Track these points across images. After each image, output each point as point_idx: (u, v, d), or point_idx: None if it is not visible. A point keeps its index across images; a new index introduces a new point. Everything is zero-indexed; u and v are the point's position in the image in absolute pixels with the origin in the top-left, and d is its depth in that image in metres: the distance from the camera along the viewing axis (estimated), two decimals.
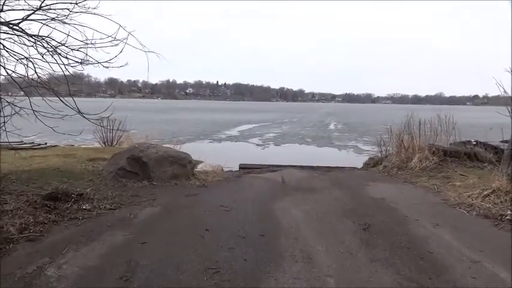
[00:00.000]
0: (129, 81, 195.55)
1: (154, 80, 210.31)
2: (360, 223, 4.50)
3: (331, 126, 32.44)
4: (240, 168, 10.49)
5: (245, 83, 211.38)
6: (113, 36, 4.70)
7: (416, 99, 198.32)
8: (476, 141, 9.86)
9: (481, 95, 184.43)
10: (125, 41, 4.63)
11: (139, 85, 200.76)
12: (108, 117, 4.80)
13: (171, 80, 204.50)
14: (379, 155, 10.65)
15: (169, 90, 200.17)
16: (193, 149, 14.76)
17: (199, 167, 9.61)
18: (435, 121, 9.76)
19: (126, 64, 5.27)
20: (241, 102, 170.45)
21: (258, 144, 17.77)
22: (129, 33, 4.87)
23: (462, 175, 7.63)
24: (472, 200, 5.30)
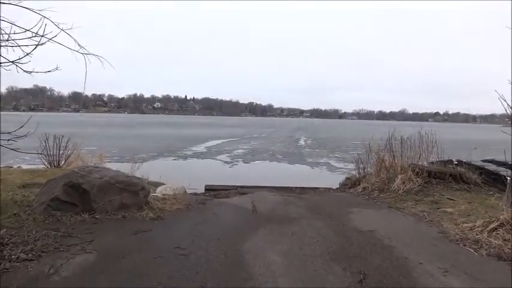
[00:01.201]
0: (94, 95, 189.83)
1: (121, 94, 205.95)
2: (352, 271, 3.56)
3: (301, 142, 31.84)
4: (205, 189, 9.45)
5: (214, 97, 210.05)
6: (36, 31, 3.63)
7: (382, 115, 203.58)
8: (458, 161, 9.28)
9: (441, 112, 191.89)
10: (49, 37, 3.55)
11: (105, 99, 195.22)
12: (26, 135, 3.61)
13: (138, 94, 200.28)
14: (357, 175, 9.88)
15: (136, 104, 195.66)
16: (154, 168, 13.57)
17: (159, 191, 8.46)
18: (416, 138, 9.11)
19: (57, 69, 4.18)
20: (210, 117, 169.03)
21: (226, 162, 16.71)
22: (62, 29, 3.82)
23: (451, 199, 6.90)
24: (477, 235, 4.49)
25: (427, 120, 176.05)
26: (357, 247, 4.30)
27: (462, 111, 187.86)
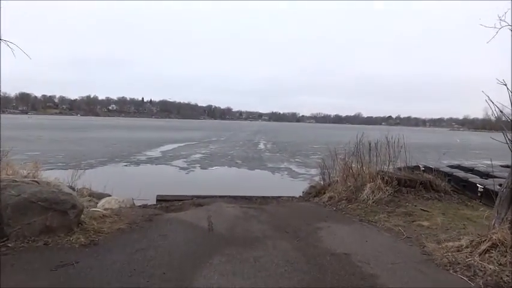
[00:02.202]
0: (44, 96, 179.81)
1: (73, 95, 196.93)
2: None
3: (261, 146, 31.20)
4: (157, 200, 8.47)
5: (172, 100, 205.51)
6: None
7: (338, 119, 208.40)
8: (424, 167, 8.91)
9: (394, 116, 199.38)
10: None
11: (56, 100, 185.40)
12: None
13: (92, 96, 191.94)
14: (321, 182, 9.26)
15: (90, 106, 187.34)
16: (101, 176, 12.29)
17: (100, 204, 7.39)
18: (382, 143, 8.62)
19: None
20: (168, 119, 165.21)
21: (182, 168, 15.64)
22: None
23: (424, 210, 6.40)
24: (467, 258, 3.89)
25: (380, 124, 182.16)
26: (333, 278, 3.56)
27: (413, 116, 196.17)
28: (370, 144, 8.01)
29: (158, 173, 14.43)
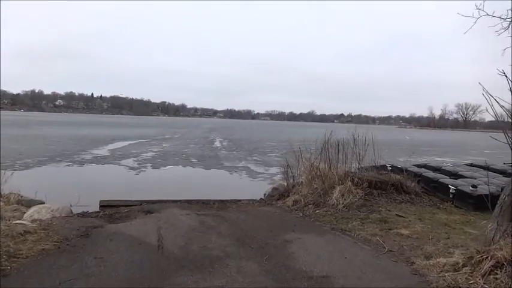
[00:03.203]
0: None
1: (16, 89, 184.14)
2: None
3: (217, 143, 30.19)
4: (100, 206, 7.42)
5: (124, 96, 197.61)
6: None
7: (292, 116, 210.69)
8: (392, 166, 8.47)
9: (345, 114, 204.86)
10: None
11: None
12: None
13: (37, 91, 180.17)
14: (284, 184, 8.58)
15: (34, 101, 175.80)
16: (35, 179, 10.87)
17: (28, 215, 6.21)
18: (349, 142, 8.08)
19: None
20: (120, 116, 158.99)
21: (131, 168, 14.35)
22: None
23: (399, 216, 5.86)
24: (468, 280, 3.30)
25: (332, 122, 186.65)
26: None
27: (364, 114, 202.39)
28: (338, 143, 7.39)
29: (104, 174, 13.09)
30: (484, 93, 3.56)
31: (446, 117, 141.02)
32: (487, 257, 3.36)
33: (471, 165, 9.18)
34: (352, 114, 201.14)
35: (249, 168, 15.65)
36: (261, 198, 8.55)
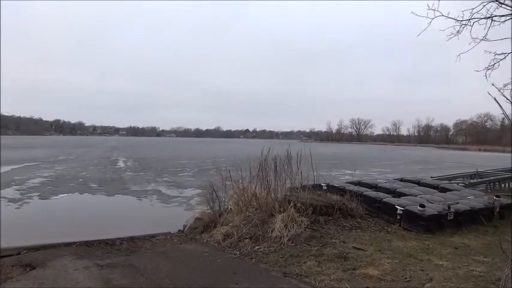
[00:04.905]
0: None
1: None
2: None
3: (121, 164, 27.36)
4: None
5: (9, 114, 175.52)
6: None
7: (199, 133, 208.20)
8: (327, 185, 7.69)
9: (251, 129, 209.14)
10: None
11: None
12: None
13: None
14: (209, 212, 7.23)
15: None
16: None
17: None
18: (282, 159, 7.09)
19: None
20: (5, 136, 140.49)
21: (11, 199, 11.60)
22: None
23: (357, 248, 4.94)
24: None
25: (238, 137, 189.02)
26: None
27: (268, 129, 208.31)
28: (275, 161, 6.32)
29: None
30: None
31: (342, 132, 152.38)
32: None
33: (402, 180, 8.86)
34: (257, 130, 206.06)
35: (160, 191, 13.88)
36: (179, 230, 7.12)
